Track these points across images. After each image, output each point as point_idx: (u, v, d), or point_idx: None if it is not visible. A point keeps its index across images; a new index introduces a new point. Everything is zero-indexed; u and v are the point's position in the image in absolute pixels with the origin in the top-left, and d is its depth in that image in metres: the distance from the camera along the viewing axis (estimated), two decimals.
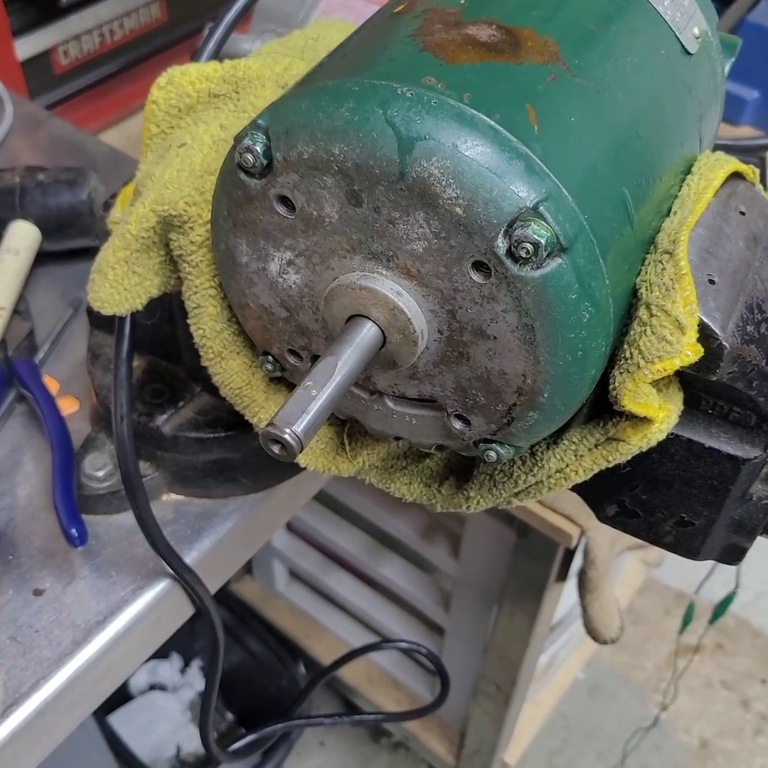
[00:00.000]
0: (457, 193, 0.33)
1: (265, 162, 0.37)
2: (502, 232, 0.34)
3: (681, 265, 0.38)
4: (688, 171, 0.44)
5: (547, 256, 0.34)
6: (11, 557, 0.59)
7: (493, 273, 0.35)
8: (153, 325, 0.60)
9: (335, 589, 1.43)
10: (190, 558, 0.60)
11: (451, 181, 0.33)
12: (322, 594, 1.51)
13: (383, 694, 1.43)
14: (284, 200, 0.38)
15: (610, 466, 0.44)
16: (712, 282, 0.41)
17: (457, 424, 0.42)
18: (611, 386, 0.40)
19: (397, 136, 0.34)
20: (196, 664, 1.74)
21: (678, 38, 0.43)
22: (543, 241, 0.33)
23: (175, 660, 1.73)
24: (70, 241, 0.76)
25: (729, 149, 0.92)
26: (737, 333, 0.41)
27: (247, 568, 1.58)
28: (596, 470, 0.45)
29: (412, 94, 0.34)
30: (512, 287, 0.35)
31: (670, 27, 0.43)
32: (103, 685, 0.58)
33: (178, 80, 0.46)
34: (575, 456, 0.44)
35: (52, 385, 0.69)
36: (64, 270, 0.78)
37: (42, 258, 0.76)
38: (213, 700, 0.71)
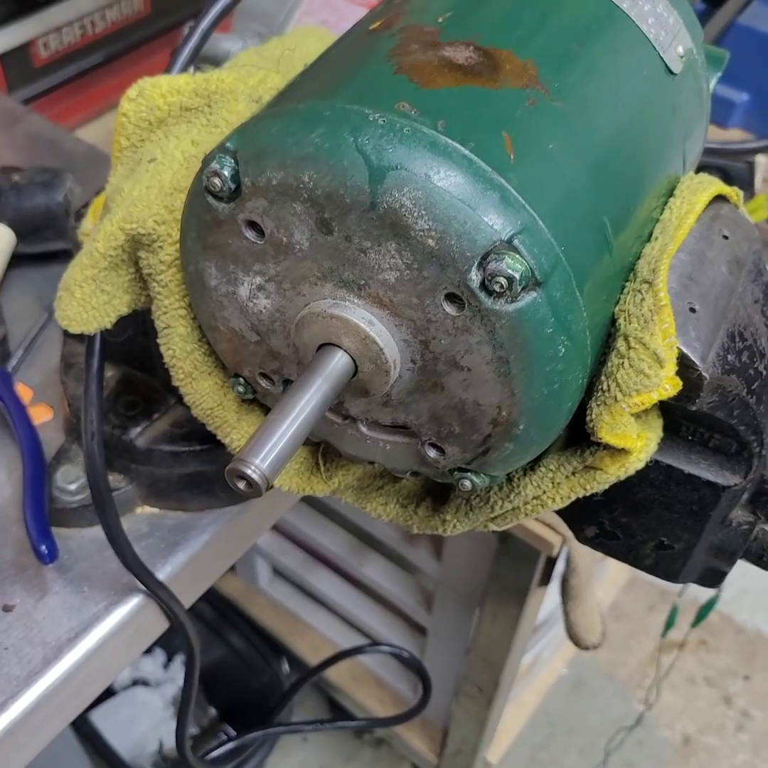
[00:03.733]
0: (429, 224, 0.32)
1: (233, 186, 0.36)
2: (475, 265, 0.33)
3: (660, 297, 0.37)
4: (670, 193, 0.43)
5: (521, 290, 0.33)
6: None
7: (466, 305, 0.34)
8: (127, 337, 0.59)
9: (318, 587, 1.42)
10: (163, 573, 0.59)
11: (423, 212, 0.32)
12: (306, 592, 1.50)
13: (366, 693, 1.43)
14: (253, 225, 0.37)
15: (588, 494, 0.43)
16: (692, 310, 0.40)
17: (432, 453, 0.41)
18: (588, 417, 0.39)
19: (368, 165, 0.32)
20: (179, 659, 1.73)
21: (661, 58, 0.42)
22: (517, 276, 0.32)
23: (159, 655, 1.72)
24: (45, 243, 0.74)
25: (717, 153, 0.92)
26: (718, 363, 0.40)
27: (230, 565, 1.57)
28: (573, 498, 0.44)
29: (384, 121, 0.33)
30: (486, 320, 0.34)
31: (653, 46, 0.42)
32: (74, 702, 0.57)
33: (149, 93, 0.45)
34: (552, 483, 0.43)
35: (25, 393, 0.67)
36: (39, 273, 0.77)
37: (17, 260, 0.75)
38: (190, 710, 0.71)
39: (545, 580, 0.98)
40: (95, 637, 0.56)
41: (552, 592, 1.07)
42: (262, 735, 0.78)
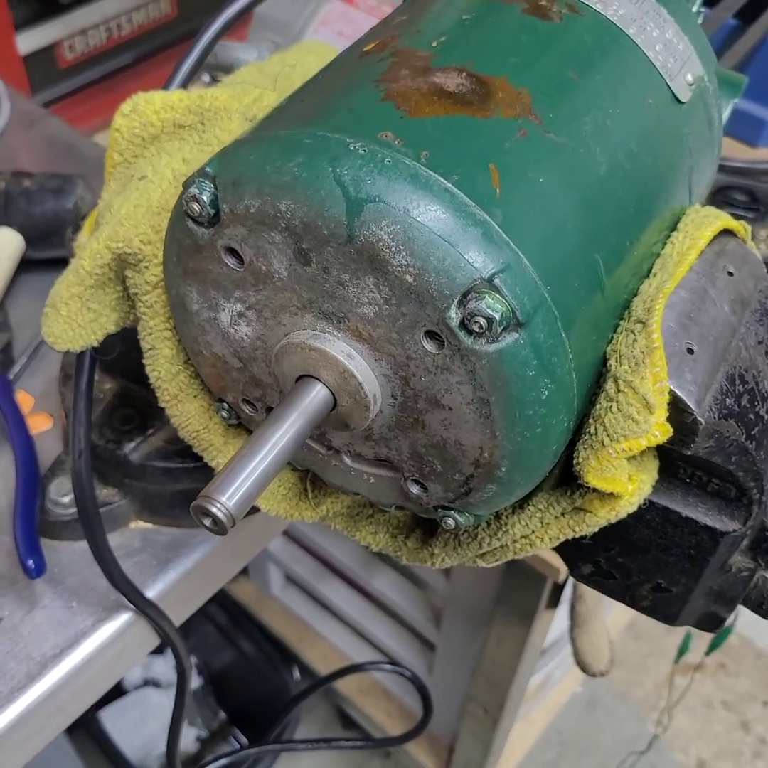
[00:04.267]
0: (407, 260, 0.31)
1: (212, 212, 0.35)
2: (454, 303, 0.31)
3: (653, 338, 0.35)
4: (674, 226, 0.41)
5: (502, 330, 0.31)
6: None
7: (446, 344, 0.33)
8: (125, 350, 0.58)
9: (329, 596, 1.41)
10: (154, 591, 0.58)
11: (401, 247, 0.31)
12: (317, 600, 1.49)
13: (374, 706, 1.42)
14: (233, 252, 0.36)
15: (577, 536, 0.42)
16: (690, 351, 0.38)
17: (414, 489, 0.40)
18: (575, 460, 0.37)
19: (345, 197, 0.31)
20: (191, 661, 1.73)
21: (668, 86, 0.40)
22: (497, 316, 0.31)
23: (170, 656, 1.72)
24: (54, 250, 0.74)
25: (743, 172, 0.89)
26: (715, 407, 0.38)
27: (244, 570, 1.57)
28: (562, 539, 0.42)
29: (365, 151, 0.32)
30: (466, 360, 0.32)
31: (660, 74, 0.40)
32: (58, 720, 0.56)
33: (143, 109, 0.44)
34: (541, 523, 0.42)
35: (26, 401, 0.67)
36: (48, 279, 0.75)
37: (25, 266, 0.74)
38: (180, 727, 0.70)
39: (553, 603, 0.96)
40: (81, 654, 0.55)
41: (562, 613, 1.05)
42: (256, 752, 0.77)
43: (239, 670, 1.62)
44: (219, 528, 0.33)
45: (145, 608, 0.56)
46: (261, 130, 0.35)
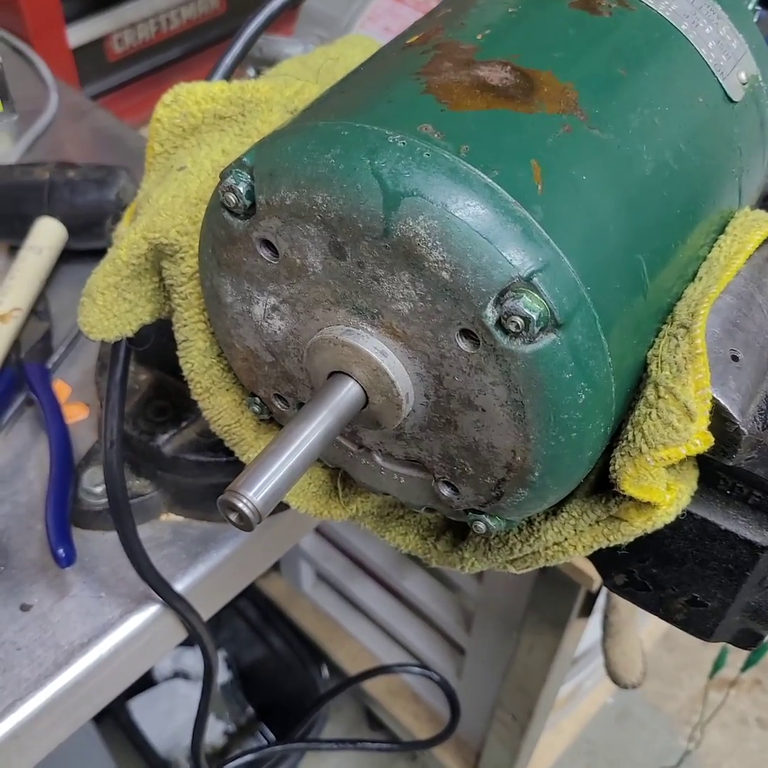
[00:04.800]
0: (443, 256, 0.30)
1: (248, 203, 0.34)
2: (491, 301, 0.31)
3: (696, 343, 0.34)
4: (722, 230, 0.40)
5: (539, 331, 0.30)
6: (3, 568, 0.58)
7: (481, 343, 0.32)
8: (160, 342, 0.58)
9: (360, 596, 1.40)
10: (182, 584, 0.58)
11: (438, 243, 0.30)
12: (347, 599, 1.49)
13: (402, 707, 1.41)
14: (268, 244, 0.35)
15: (611, 545, 0.41)
16: (735, 358, 0.37)
17: (445, 491, 0.39)
18: (612, 467, 0.36)
19: (382, 190, 0.31)
20: (220, 655, 1.73)
21: (721, 84, 0.39)
22: (535, 316, 0.30)
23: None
24: (96, 240, 0.74)
25: None
26: (759, 417, 0.37)
27: (275, 566, 1.57)
28: (596, 548, 0.41)
29: (404, 143, 0.31)
30: (501, 360, 0.32)
31: (712, 72, 0.39)
32: (83, 709, 0.56)
33: (184, 99, 0.43)
34: (574, 531, 0.41)
35: (62, 390, 0.67)
36: (89, 269, 0.75)
37: (66, 256, 0.75)
38: (206, 720, 0.70)
39: (586, 612, 0.94)
40: (108, 645, 0.55)
41: (595, 623, 1.03)
42: (281, 750, 0.77)
43: (268, 666, 1.62)
44: (245, 523, 0.32)
45: (173, 601, 0.55)
46: (300, 122, 0.35)
